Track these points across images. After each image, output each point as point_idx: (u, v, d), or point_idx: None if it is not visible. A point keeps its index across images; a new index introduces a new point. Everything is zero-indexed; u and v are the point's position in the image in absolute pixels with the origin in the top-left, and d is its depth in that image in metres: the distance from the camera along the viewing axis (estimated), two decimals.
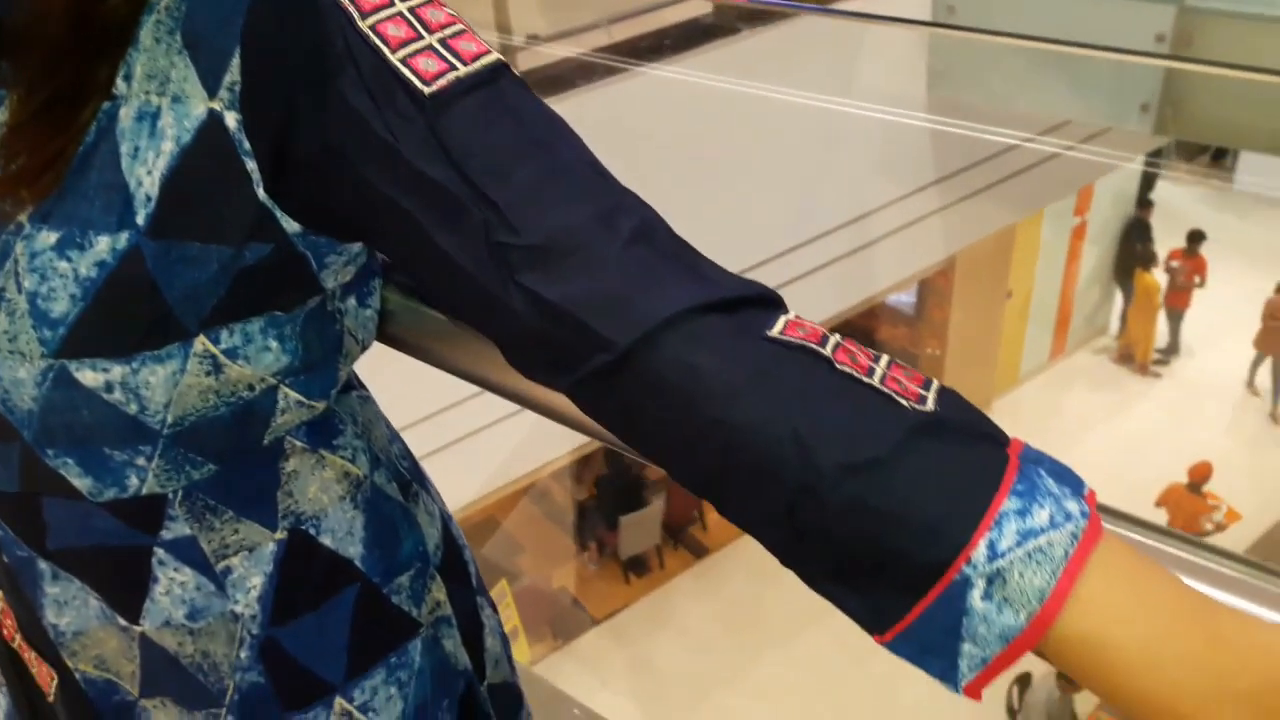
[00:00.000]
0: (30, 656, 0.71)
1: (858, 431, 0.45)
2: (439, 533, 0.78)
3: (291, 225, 0.55)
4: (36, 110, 0.53)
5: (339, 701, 0.71)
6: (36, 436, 0.57)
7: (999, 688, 5.14)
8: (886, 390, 0.46)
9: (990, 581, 0.43)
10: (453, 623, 0.77)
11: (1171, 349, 7.21)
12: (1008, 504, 0.44)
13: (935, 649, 0.45)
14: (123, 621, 0.66)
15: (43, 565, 0.65)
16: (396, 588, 0.72)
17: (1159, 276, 7.16)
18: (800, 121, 4.02)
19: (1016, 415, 7.17)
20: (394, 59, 0.50)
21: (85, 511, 0.61)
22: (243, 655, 0.67)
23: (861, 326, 7.24)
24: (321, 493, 0.68)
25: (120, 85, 0.53)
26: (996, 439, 0.47)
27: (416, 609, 0.74)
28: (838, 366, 0.47)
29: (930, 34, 4.46)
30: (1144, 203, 7.41)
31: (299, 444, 0.66)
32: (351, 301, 0.64)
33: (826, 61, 3.98)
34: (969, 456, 0.46)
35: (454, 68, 0.51)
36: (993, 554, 0.43)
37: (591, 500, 6.26)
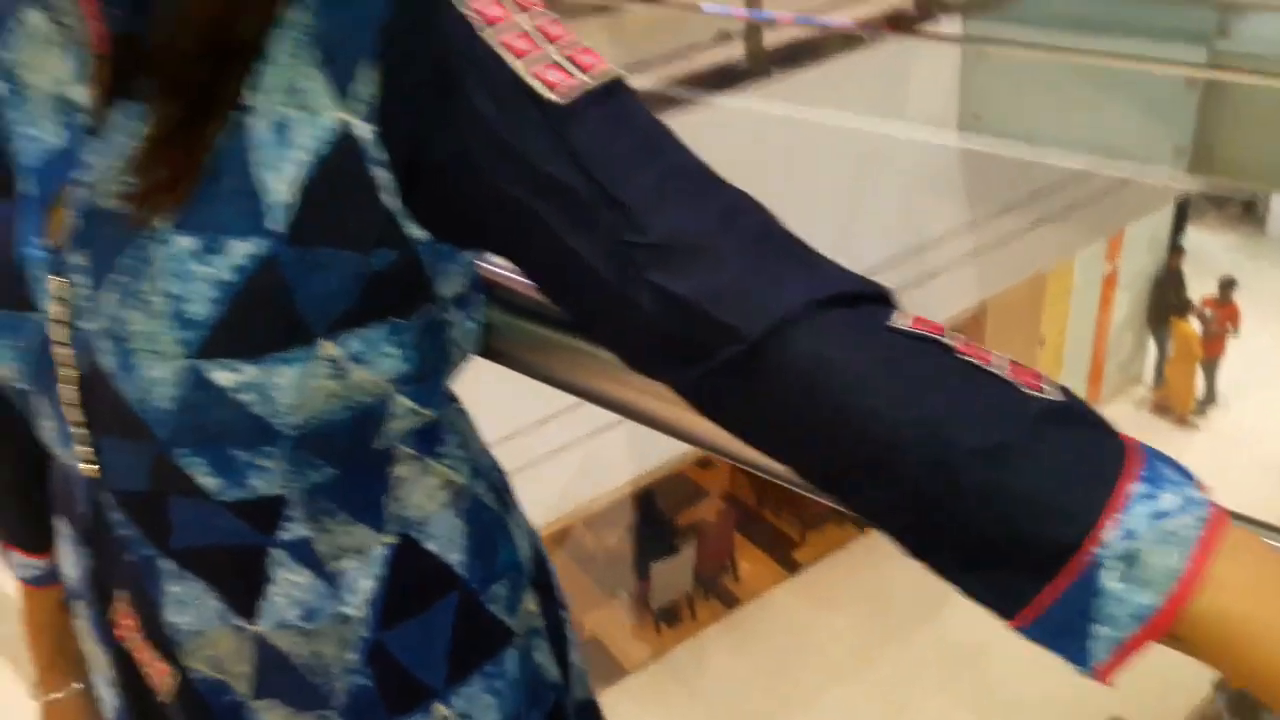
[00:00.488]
0: (144, 656, 0.72)
1: (988, 417, 0.46)
2: (528, 545, 0.79)
3: (417, 232, 0.57)
4: (171, 123, 0.56)
5: (439, 707, 0.72)
6: (170, 436, 0.59)
7: None
8: (1010, 379, 0.48)
9: (1123, 562, 0.44)
10: (543, 634, 0.79)
11: (1208, 399, 7.15)
12: (1136, 487, 0.45)
13: (1068, 631, 0.46)
14: (239, 621, 0.68)
15: (165, 564, 0.67)
16: (493, 596, 0.74)
17: (1194, 324, 7.12)
18: (834, 164, 4.05)
19: None
20: (521, 70, 0.53)
21: (209, 511, 0.63)
22: (352, 657, 0.69)
23: None
24: (427, 500, 0.70)
25: (248, 96, 0.55)
26: (1113, 430, 0.48)
27: (511, 618, 0.75)
28: (961, 356, 0.48)
29: (962, 79, 4.50)
30: (1175, 249, 7.40)
31: (407, 451, 0.68)
32: (459, 313, 0.66)
33: (861, 103, 4.02)
34: (1093, 443, 0.47)
35: (578, 79, 0.53)
36: (1125, 535, 0.44)
37: (622, 547, 6.23)
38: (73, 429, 0.63)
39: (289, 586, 0.67)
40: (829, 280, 0.51)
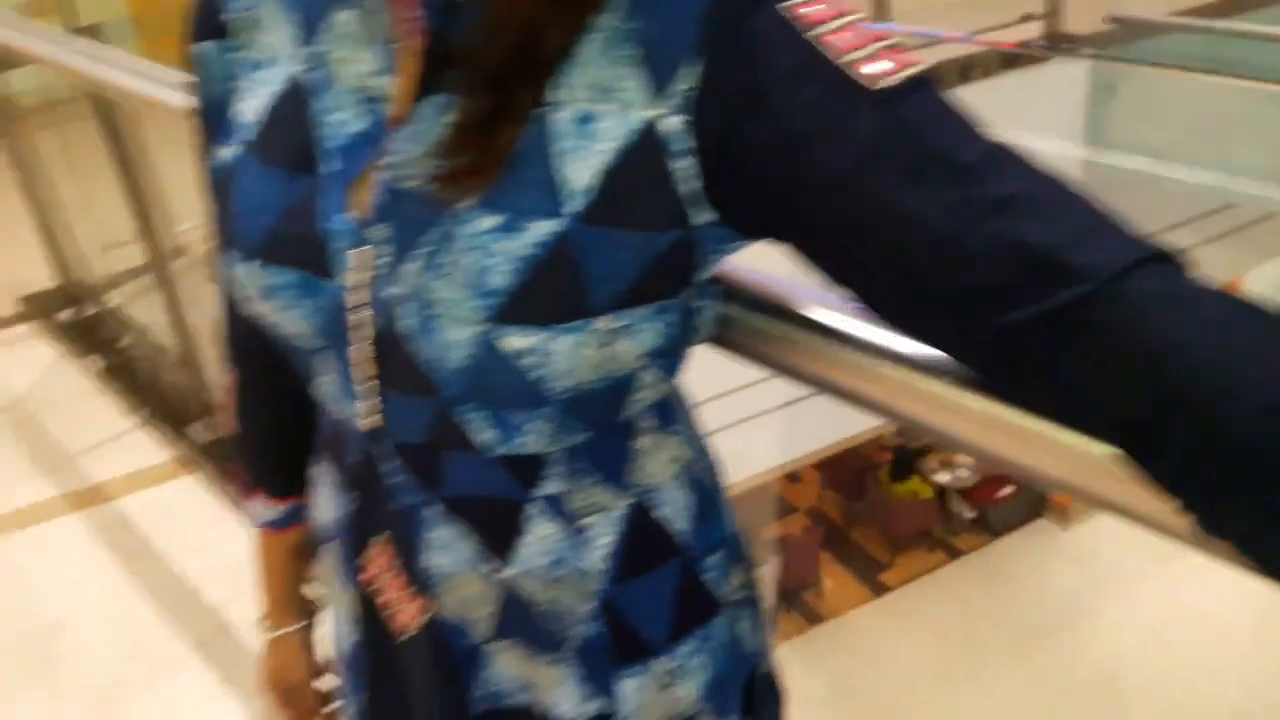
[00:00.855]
0: (391, 597, 0.78)
1: None
2: (734, 522, 0.83)
3: (704, 218, 0.61)
4: (478, 117, 0.60)
5: (658, 663, 0.78)
6: (455, 394, 0.65)
7: None
8: None
9: None
10: (745, 607, 0.83)
11: None
12: None
13: None
14: (490, 567, 0.73)
15: (430, 511, 0.73)
16: (708, 566, 0.79)
17: None
18: None
19: None
20: (844, 63, 0.56)
21: (479, 464, 0.69)
22: (587, 608, 0.75)
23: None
24: (660, 470, 0.75)
25: (552, 93, 0.60)
26: None
27: (722, 589, 0.80)
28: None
29: (1090, 104, 4.42)
30: None
31: (648, 423, 0.73)
32: (709, 298, 0.70)
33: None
34: None
35: (896, 73, 0.56)
36: None
37: None
38: (359, 385, 0.69)
39: (540, 538, 0.72)
40: (1147, 239, 0.52)
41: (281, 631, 1.02)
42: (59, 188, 3.39)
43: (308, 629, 1.04)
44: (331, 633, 0.96)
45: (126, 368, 3.14)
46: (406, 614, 0.78)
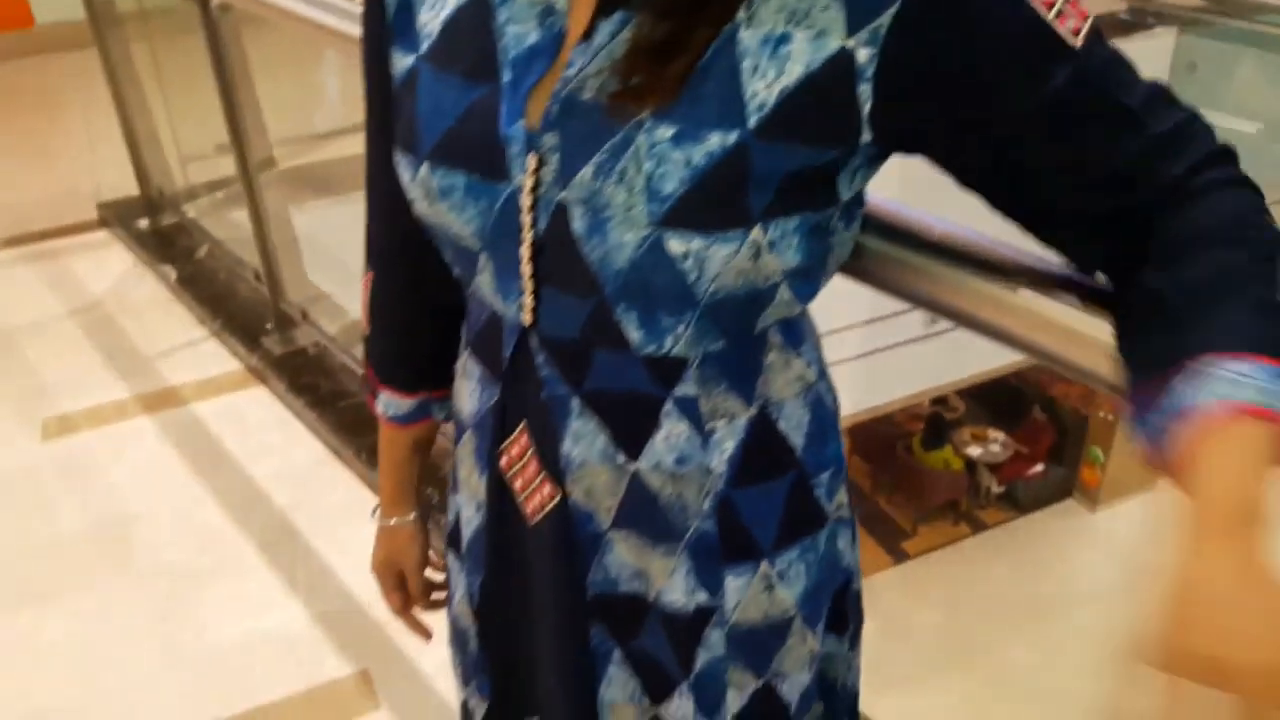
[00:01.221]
0: (525, 483, 0.85)
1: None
2: (842, 447, 0.89)
3: (865, 137, 0.65)
4: (656, 40, 0.64)
5: (763, 565, 0.84)
6: (614, 293, 0.70)
7: None
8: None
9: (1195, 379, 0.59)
10: (845, 525, 0.89)
11: None
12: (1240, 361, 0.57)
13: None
14: (621, 459, 0.79)
15: (574, 403, 0.79)
16: (819, 483, 0.85)
17: None
18: None
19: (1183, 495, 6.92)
20: (1047, 16, 0.62)
21: (625, 362, 0.75)
22: (705, 505, 0.80)
23: (1033, 380, 7.12)
24: (785, 387, 0.80)
25: (743, 11, 0.64)
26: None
27: (828, 504, 0.86)
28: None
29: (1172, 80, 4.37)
30: None
31: (777, 341, 0.79)
32: (843, 221, 0.75)
33: None
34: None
35: (1081, 25, 0.63)
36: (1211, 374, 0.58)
37: None
38: (521, 283, 0.75)
39: (671, 435, 0.78)
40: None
41: (397, 520, 1.10)
42: (146, 99, 3.48)
43: (421, 520, 1.12)
44: (449, 522, 1.03)
45: (202, 278, 3.24)
46: (539, 499, 0.84)
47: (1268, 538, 0.53)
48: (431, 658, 2.06)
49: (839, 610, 0.93)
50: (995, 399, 7.31)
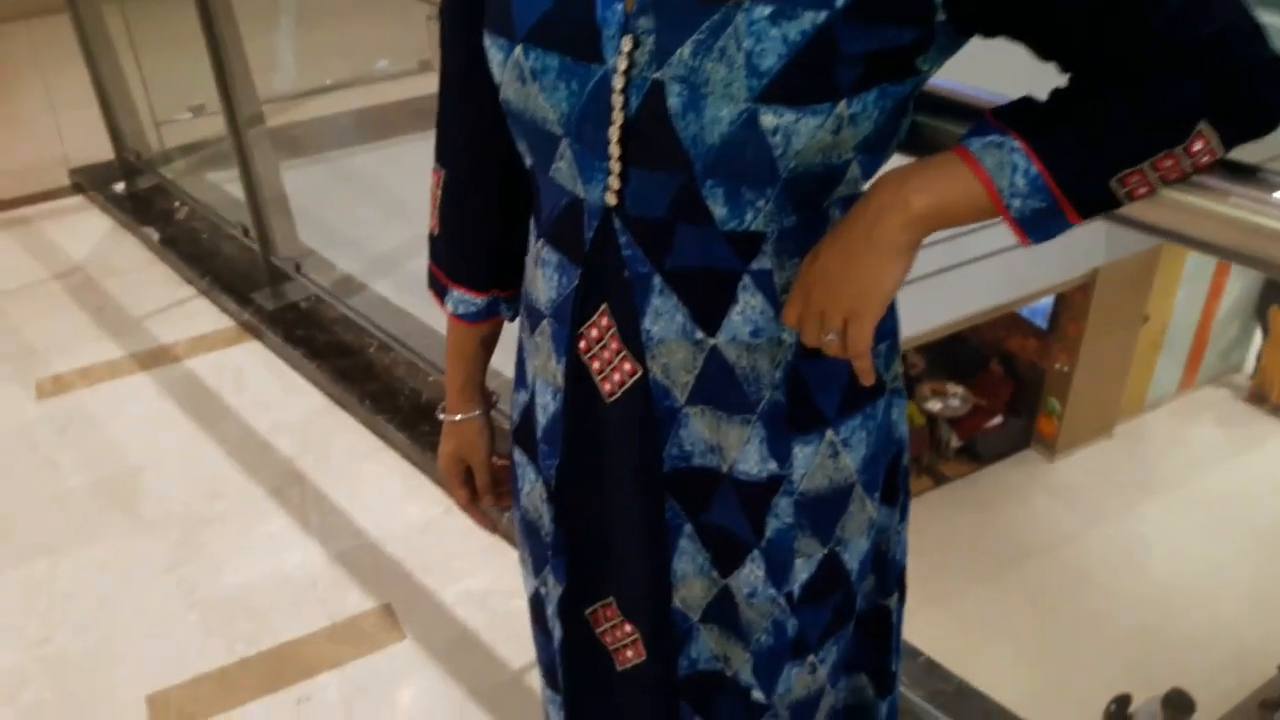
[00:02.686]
0: (604, 364, 0.88)
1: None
2: (897, 320, 0.94)
3: (940, 16, 0.70)
4: None
5: (829, 433, 0.89)
6: (704, 169, 0.74)
7: (1097, 703, 5.15)
8: None
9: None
10: (899, 396, 0.94)
11: None
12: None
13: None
14: (699, 335, 0.83)
15: (655, 281, 0.82)
16: (877, 353, 0.89)
17: None
18: None
19: (1139, 441, 7.13)
20: None
21: (707, 238, 0.79)
22: (777, 375, 0.85)
23: (990, 335, 7.27)
24: None
25: None
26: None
27: (886, 374, 0.91)
28: None
29: None
30: None
31: (837, 217, 0.82)
32: (909, 100, 0.79)
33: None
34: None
35: None
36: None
37: None
38: (608, 164, 0.78)
39: (747, 308, 0.82)
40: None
41: (464, 416, 1.13)
42: (119, 63, 3.43)
43: (487, 415, 1.15)
44: (513, 419, 1.06)
45: (184, 238, 3.22)
46: (618, 377, 0.88)
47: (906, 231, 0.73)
48: (454, 589, 2.10)
49: (891, 482, 0.98)
50: (954, 354, 7.47)
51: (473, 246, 1.04)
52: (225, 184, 3.17)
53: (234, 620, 2.05)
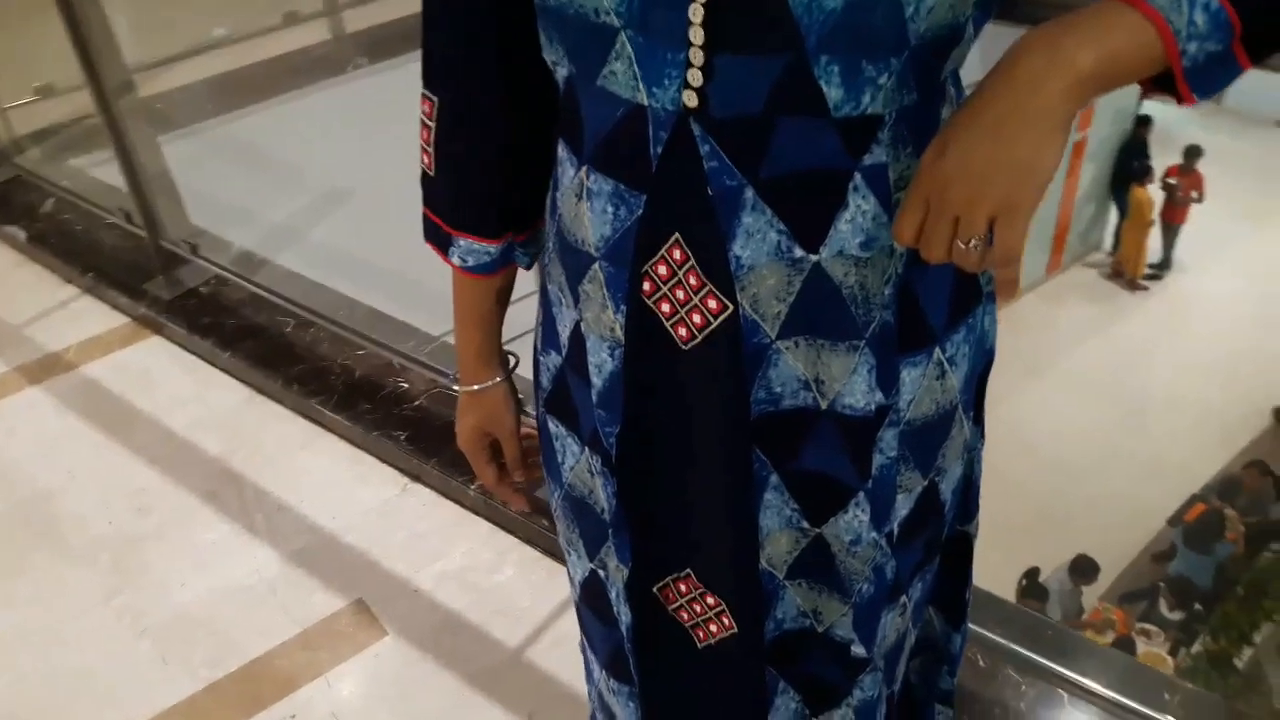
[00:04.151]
0: (675, 305, 0.74)
1: None
2: None
3: None
4: None
5: (936, 351, 0.78)
6: (818, 44, 0.61)
7: (1009, 580, 5.34)
8: None
9: None
10: (991, 300, 0.83)
11: (1165, 264, 7.40)
12: None
13: None
14: (799, 253, 0.70)
15: (747, 195, 0.68)
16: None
17: (1154, 193, 7.30)
18: None
19: (1014, 327, 7.34)
20: None
21: (814, 131, 0.65)
22: (886, 292, 0.72)
23: None
24: None
25: None
26: None
27: (982, 278, 0.80)
28: None
29: None
30: (1142, 120, 7.52)
31: (951, 93, 0.71)
32: None
33: None
34: None
35: None
36: None
37: None
38: (686, 55, 0.64)
39: (858, 213, 0.69)
40: None
41: (485, 385, 0.98)
42: None
43: (509, 380, 0.99)
44: (544, 387, 0.92)
45: (56, 233, 2.88)
46: (699, 318, 0.74)
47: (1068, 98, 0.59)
48: (427, 572, 1.93)
49: (979, 397, 0.88)
50: None
51: (481, 184, 0.86)
52: (94, 168, 2.84)
53: (192, 643, 1.84)
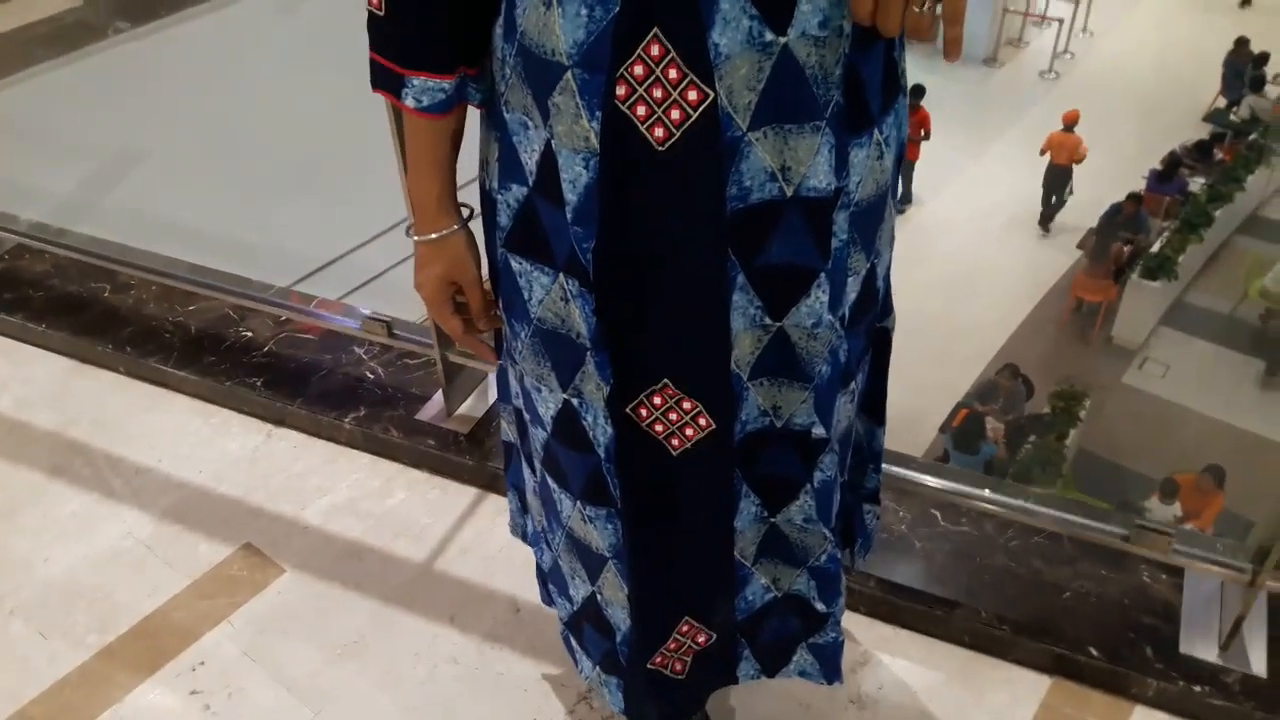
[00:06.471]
0: (652, 104, 0.76)
1: None
2: None
3: None
4: None
5: (875, 133, 0.85)
6: None
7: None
8: None
9: None
10: (904, 93, 0.91)
11: (904, 199, 8.01)
12: None
13: None
14: (769, 36, 0.74)
15: None
16: (897, 58, 0.87)
17: None
18: None
19: None
20: None
21: None
22: (837, 72, 0.78)
23: None
24: None
25: None
26: None
27: (900, 77, 0.89)
28: None
29: None
30: None
31: None
32: None
33: None
34: None
35: None
36: None
37: None
38: None
39: None
40: None
41: (447, 231, 0.97)
42: None
43: (467, 226, 0.99)
44: (504, 225, 0.92)
45: None
46: (677, 113, 0.77)
47: None
48: (315, 507, 1.87)
49: (894, 184, 0.96)
50: None
51: (431, 17, 0.85)
52: None
53: (71, 613, 1.70)
